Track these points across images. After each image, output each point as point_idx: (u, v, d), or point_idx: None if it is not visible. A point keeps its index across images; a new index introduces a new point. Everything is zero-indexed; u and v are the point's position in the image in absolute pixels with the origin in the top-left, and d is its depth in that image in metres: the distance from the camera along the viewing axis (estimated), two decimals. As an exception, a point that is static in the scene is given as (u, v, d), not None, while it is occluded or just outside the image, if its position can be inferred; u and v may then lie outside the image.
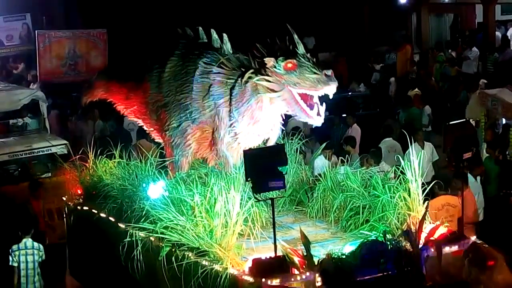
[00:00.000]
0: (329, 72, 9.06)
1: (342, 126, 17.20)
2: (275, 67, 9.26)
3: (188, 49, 10.29)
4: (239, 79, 9.66)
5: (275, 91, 9.32)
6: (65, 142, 15.35)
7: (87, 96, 12.18)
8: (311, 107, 9.24)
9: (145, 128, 11.21)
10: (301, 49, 9.31)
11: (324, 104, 9.29)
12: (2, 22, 27.98)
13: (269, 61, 9.30)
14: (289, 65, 9.18)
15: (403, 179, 9.02)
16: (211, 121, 9.93)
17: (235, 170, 9.72)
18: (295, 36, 9.36)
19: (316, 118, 9.27)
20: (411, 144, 9.23)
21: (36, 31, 23.01)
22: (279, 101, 9.38)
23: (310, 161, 11.52)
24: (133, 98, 11.03)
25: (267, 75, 9.32)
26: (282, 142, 10.16)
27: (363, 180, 9.69)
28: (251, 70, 9.51)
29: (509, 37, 26.02)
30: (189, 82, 10.04)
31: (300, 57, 9.22)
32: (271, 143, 9.87)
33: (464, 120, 14.87)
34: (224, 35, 10.14)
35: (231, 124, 9.74)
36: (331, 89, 9.08)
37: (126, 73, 11.26)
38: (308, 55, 9.34)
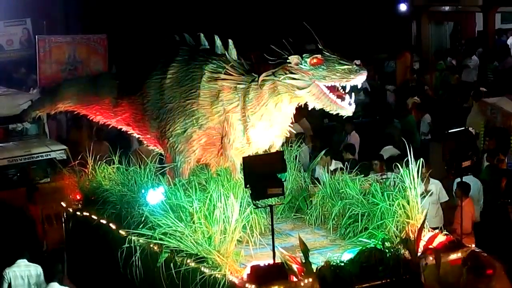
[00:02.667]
0: (358, 62, 9.14)
1: (344, 133, 17.21)
2: (300, 63, 9.29)
3: (191, 55, 10.29)
4: (252, 83, 9.67)
5: (301, 88, 9.33)
6: (64, 147, 15.35)
7: (42, 110, 12.29)
8: (341, 98, 9.27)
9: (136, 135, 11.21)
10: (321, 44, 9.36)
11: (352, 93, 9.29)
12: (2, 27, 28.00)
13: (294, 59, 9.32)
14: (315, 60, 9.23)
15: (402, 187, 9.02)
16: (220, 127, 9.93)
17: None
18: (314, 34, 9.38)
19: (348, 107, 9.29)
20: (410, 153, 9.19)
21: (36, 36, 22.98)
22: (308, 97, 9.35)
23: (309, 168, 11.51)
24: (125, 105, 11.02)
25: (291, 73, 9.34)
26: (281, 149, 10.16)
27: (362, 187, 9.69)
28: (267, 73, 9.51)
29: (509, 46, 26.06)
30: (195, 88, 10.02)
31: (324, 52, 9.28)
32: (274, 149, 9.86)
33: (464, 128, 14.85)
34: (230, 41, 10.15)
35: (246, 129, 9.73)
36: (362, 79, 9.16)
37: (116, 81, 11.25)
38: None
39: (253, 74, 9.73)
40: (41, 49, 22.00)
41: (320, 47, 9.31)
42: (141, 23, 26.82)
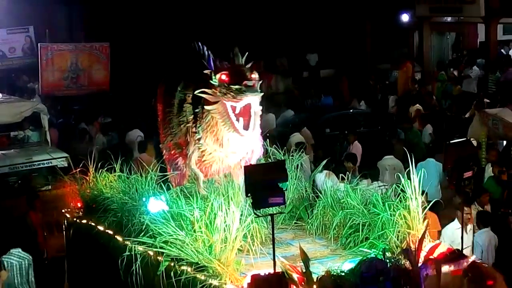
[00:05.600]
0: (251, 83, 8.92)
1: (345, 143, 17.23)
2: (211, 79, 9.20)
3: (185, 64, 10.34)
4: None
5: (210, 104, 9.21)
6: (66, 155, 15.36)
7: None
8: (244, 121, 9.06)
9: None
10: (237, 60, 9.22)
11: (258, 119, 9.14)
12: (5, 35, 28.11)
13: (207, 74, 9.23)
14: (223, 76, 9.08)
15: (403, 197, 9.01)
16: (184, 136, 9.94)
17: (225, 186, 9.69)
18: (236, 49, 9.27)
19: (242, 131, 9.10)
20: (411, 161, 9.18)
21: (39, 44, 23.09)
22: (215, 114, 9.18)
23: (310, 177, 11.51)
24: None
25: (207, 87, 9.24)
26: (282, 158, 10.16)
27: (363, 197, 9.69)
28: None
29: (511, 57, 26.13)
30: (173, 97, 10.10)
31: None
32: (252, 161, 9.78)
33: (465, 139, 14.87)
34: (208, 50, 10.12)
35: (198, 140, 9.63)
36: (249, 100, 8.94)
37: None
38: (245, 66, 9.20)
39: None
40: (44, 56, 22.11)
41: (233, 61, 9.15)
42: (144, 31, 26.89)
